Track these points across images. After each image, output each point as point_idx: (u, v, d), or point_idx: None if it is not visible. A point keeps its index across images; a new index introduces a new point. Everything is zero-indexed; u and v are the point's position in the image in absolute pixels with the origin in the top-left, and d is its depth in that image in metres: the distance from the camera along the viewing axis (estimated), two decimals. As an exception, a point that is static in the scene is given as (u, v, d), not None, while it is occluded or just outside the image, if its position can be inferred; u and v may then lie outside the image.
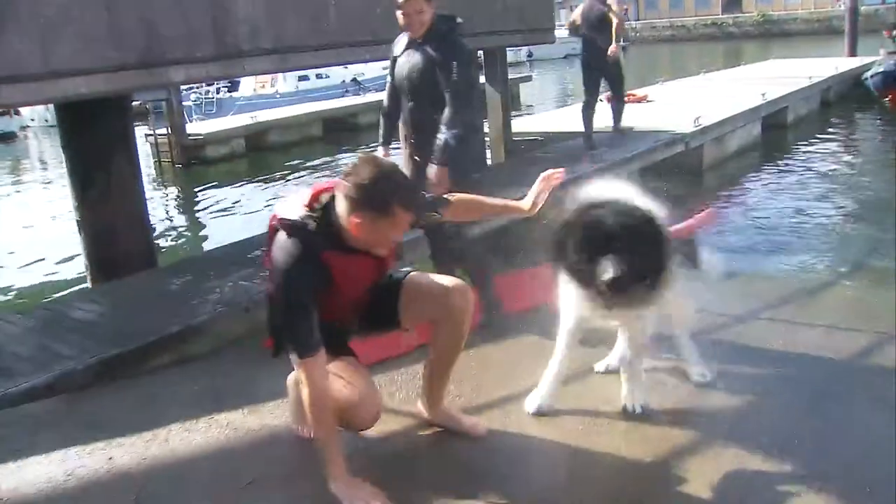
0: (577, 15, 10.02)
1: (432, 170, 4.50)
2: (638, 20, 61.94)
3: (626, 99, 10.86)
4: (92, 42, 5.49)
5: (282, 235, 2.75)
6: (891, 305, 4.93)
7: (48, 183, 16.31)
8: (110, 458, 3.09)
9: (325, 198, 2.77)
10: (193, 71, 6.21)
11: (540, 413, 3.32)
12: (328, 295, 2.73)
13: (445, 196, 3.25)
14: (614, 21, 9.64)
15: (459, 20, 4.79)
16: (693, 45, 51.20)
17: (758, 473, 2.84)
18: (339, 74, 22.83)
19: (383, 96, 5.03)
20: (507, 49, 11.58)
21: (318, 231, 2.72)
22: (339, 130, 18.93)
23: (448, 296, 3.00)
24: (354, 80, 22.77)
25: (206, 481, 2.93)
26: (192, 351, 4.46)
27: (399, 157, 4.91)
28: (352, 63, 15.43)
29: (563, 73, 37.39)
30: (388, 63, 5.01)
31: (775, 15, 56.14)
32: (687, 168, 10.54)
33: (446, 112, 4.52)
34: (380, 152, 4.94)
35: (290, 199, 2.86)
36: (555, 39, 11.12)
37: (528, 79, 24.50)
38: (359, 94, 21.90)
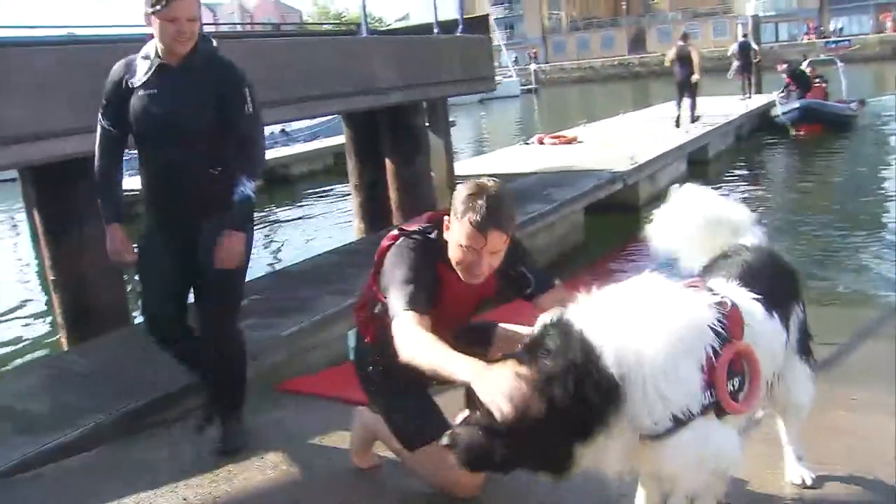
0: (671, 54, 16.94)
1: (225, 237, 3.45)
2: (547, 63, 63.59)
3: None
4: (79, 103, 5.62)
5: (399, 241, 2.87)
6: (832, 321, 5.47)
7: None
8: (185, 499, 3.23)
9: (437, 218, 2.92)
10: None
11: None
12: (430, 313, 2.75)
13: (555, 280, 3.07)
14: (696, 58, 16.28)
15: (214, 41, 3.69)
16: (601, 86, 52.81)
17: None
18: (267, 126, 22.91)
19: (98, 149, 3.65)
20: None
21: (436, 242, 2.84)
22: (271, 181, 19.02)
23: None
24: (283, 131, 22.90)
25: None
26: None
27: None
28: (311, 117, 15.60)
29: (476, 117, 38.10)
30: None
31: (678, 55, 58.49)
32: (626, 204, 11.05)
33: (241, 158, 3.48)
34: (111, 236, 3.67)
35: (405, 224, 3.00)
36: (495, 87, 11.59)
37: (452, 124, 24.99)
38: (287, 146, 22.04)
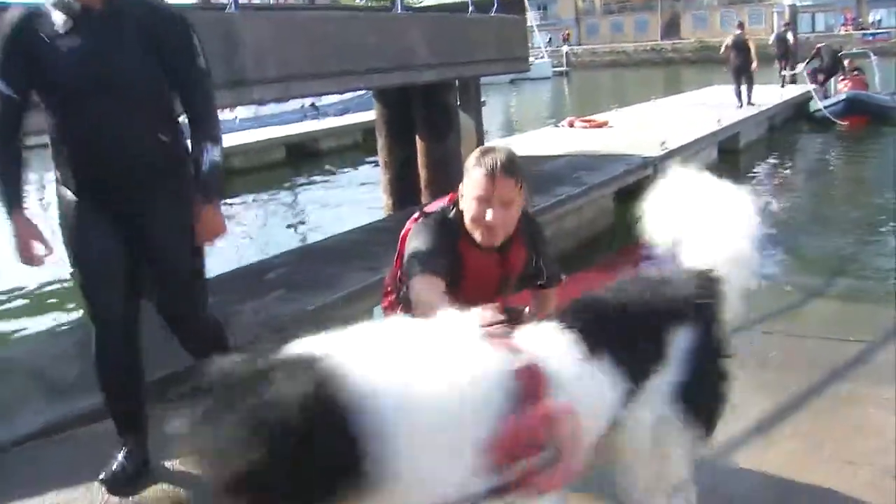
0: (728, 42, 18.17)
1: (204, 212, 3.04)
2: (579, 45, 63.15)
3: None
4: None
5: (419, 222, 2.88)
6: (866, 317, 5.42)
7: None
8: (210, 468, 3.24)
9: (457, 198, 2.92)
10: (205, 99, 6.38)
11: None
12: (452, 291, 2.71)
13: (562, 277, 3.14)
14: (753, 47, 17.51)
15: None
16: (634, 71, 52.40)
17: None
18: (297, 99, 22.98)
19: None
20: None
21: (455, 219, 2.84)
22: (301, 155, 19.10)
23: None
24: (312, 105, 22.89)
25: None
26: (234, 370, 4.61)
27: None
28: (347, 91, 15.63)
29: (507, 98, 37.87)
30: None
31: (712, 41, 57.76)
32: (656, 191, 10.97)
33: (201, 120, 3.02)
34: (21, 229, 3.03)
35: (427, 206, 3.01)
36: (529, 68, 11.51)
37: (483, 104, 24.88)
38: (317, 119, 22.06)
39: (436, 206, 2.96)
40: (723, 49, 18.47)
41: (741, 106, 17.15)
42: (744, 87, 17.50)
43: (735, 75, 17.73)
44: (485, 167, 2.71)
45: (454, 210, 2.87)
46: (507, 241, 2.90)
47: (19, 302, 8.85)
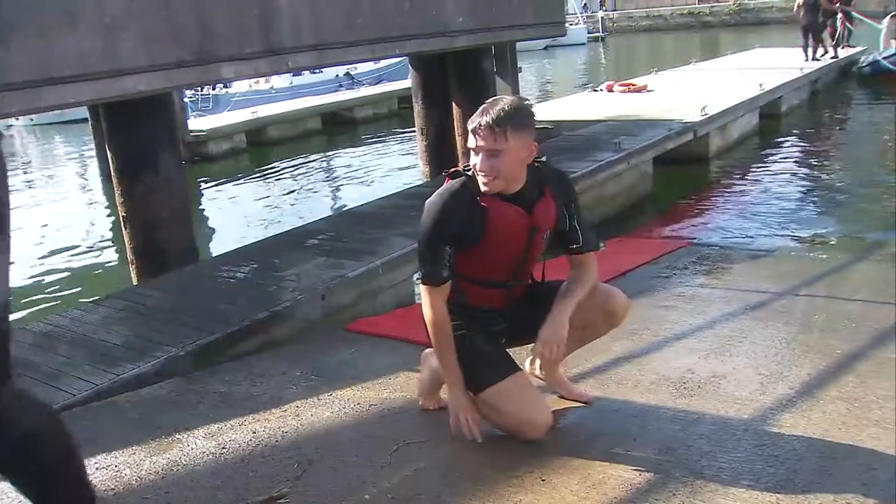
0: (800, 0, 18.69)
1: None
2: (615, 10, 62.29)
3: None
4: (151, 40, 5.68)
5: (443, 186, 2.96)
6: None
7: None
8: (254, 432, 3.28)
9: None
10: (243, 67, 6.41)
11: None
12: (482, 246, 2.89)
13: (601, 244, 3.23)
14: (825, 3, 18.52)
15: None
16: (670, 35, 51.60)
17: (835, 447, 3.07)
18: (332, 69, 23.06)
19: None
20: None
21: (474, 175, 2.91)
22: (336, 124, 19.17)
23: (610, 297, 3.11)
24: (347, 74, 22.93)
25: (354, 448, 3.09)
26: (276, 336, 4.66)
27: None
28: (382, 58, 15.60)
29: (542, 64, 37.53)
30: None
31: (751, 4, 56.65)
32: (695, 156, 10.84)
33: None
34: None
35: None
36: (566, 32, 11.39)
37: (518, 70, 24.66)
38: (352, 89, 22.09)
39: (460, 166, 3.04)
40: (795, 7, 19.33)
41: (807, 60, 18.16)
42: (811, 44, 18.50)
43: (804, 32, 18.76)
44: (471, 123, 2.83)
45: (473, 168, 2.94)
46: (532, 192, 2.95)
47: (65, 272, 8.98)
